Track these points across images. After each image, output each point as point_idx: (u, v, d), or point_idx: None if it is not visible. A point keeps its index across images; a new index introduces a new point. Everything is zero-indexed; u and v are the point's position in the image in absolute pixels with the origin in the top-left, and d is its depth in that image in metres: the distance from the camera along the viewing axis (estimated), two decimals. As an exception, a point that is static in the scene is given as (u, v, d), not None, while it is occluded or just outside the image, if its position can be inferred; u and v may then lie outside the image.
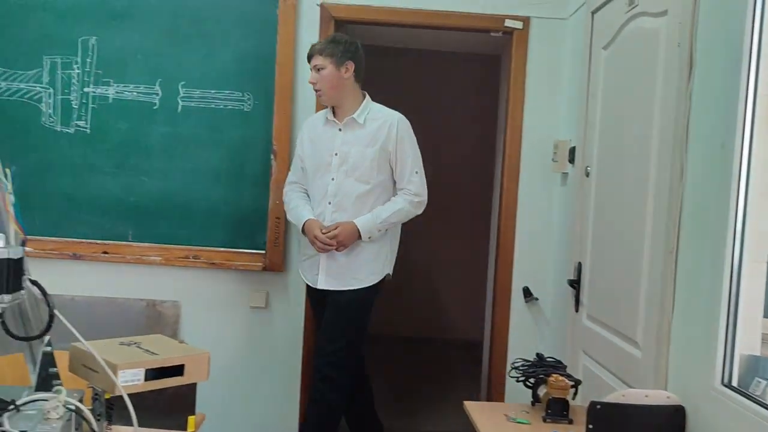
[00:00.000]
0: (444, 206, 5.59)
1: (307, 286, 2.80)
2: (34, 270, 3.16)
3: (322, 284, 2.69)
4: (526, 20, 3.08)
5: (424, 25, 3.11)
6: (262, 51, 3.03)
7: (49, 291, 3.05)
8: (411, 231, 5.54)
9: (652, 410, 1.67)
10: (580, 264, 2.64)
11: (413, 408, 4.12)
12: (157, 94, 3.04)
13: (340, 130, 2.69)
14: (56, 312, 1.15)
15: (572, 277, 2.68)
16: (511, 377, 1.92)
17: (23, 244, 1.18)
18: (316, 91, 2.66)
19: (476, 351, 5.14)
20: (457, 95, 5.53)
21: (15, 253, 1.05)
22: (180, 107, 3.04)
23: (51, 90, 3.03)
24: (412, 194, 2.70)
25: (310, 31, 3.08)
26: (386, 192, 2.71)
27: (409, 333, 5.67)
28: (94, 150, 3.04)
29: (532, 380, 1.89)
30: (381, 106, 2.77)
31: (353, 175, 2.64)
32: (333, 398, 2.67)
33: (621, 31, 2.39)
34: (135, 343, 1.60)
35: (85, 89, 3.03)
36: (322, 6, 3.07)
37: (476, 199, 5.42)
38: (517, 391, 3.03)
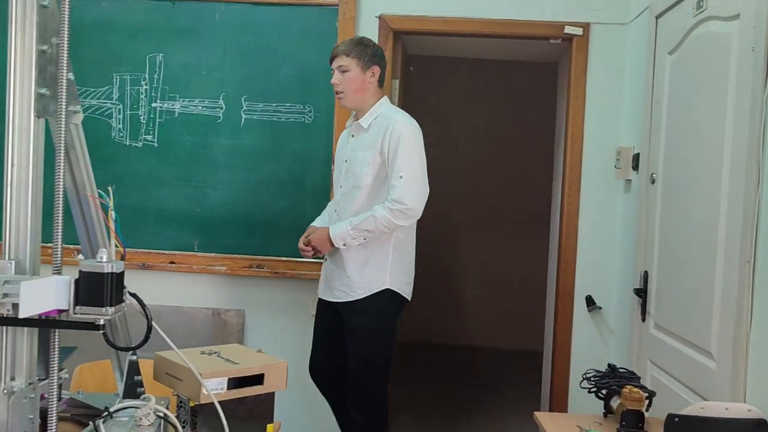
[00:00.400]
0: (500, 213, 5.59)
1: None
2: None
3: (320, 293, 2.67)
4: (585, 26, 3.05)
5: (483, 34, 3.11)
6: (323, 64, 3.07)
7: None
8: (464, 238, 5.61)
9: (732, 424, 1.63)
10: (646, 273, 2.60)
11: (472, 418, 4.10)
12: (221, 108, 3.12)
13: (352, 136, 2.63)
14: (154, 324, 1.20)
15: (638, 286, 2.64)
16: (583, 388, 1.89)
17: (123, 258, 1.23)
18: (338, 93, 2.56)
19: (530, 359, 5.11)
20: (512, 103, 5.51)
21: (117, 267, 1.10)
22: (243, 120, 3.12)
23: (120, 106, 3.14)
24: (391, 200, 2.42)
25: (369, 43, 3.12)
26: (377, 199, 2.51)
27: (461, 341, 5.65)
28: (161, 163, 3.14)
29: (604, 391, 1.87)
30: (395, 108, 2.64)
31: (351, 180, 2.55)
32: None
33: (688, 36, 2.35)
34: (215, 353, 1.65)
35: (153, 104, 3.14)
36: (380, 18, 3.11)
37: (533, 206, 5.38)
38: (581, 402, 3.00)
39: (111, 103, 3.15)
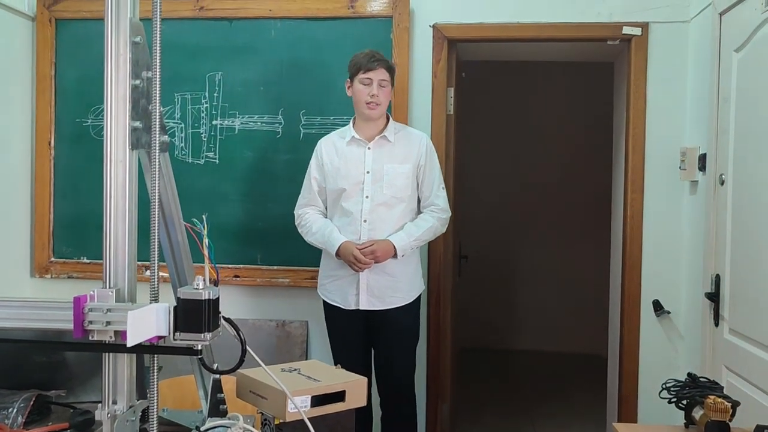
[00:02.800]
0: (555, 216, 5.52)
1: (331, 307, 2.75)
2: (173, 296, 3.32)
3: (364, 304, 2.67)
4: (644, 26, 3.00)
5: (539, 38, 3.09)
6: (378, 75, 3.11)
7: None
8: (519, 241, 5.56)
9: (827, 434, 1.58)
10: (718, 276, 2.54)
11: (536, 425, 4.07)
12: (280, 123, 3.17)
13: (369, 148, 2.68)
14: (248, 349, 1.23)
15: (710, 290, 2.58)
16: (662, 398, 1.86)
17: (216, 284, 1.26)
18: (376, 104, 2.61)
19: (590, 363, 5.04)
20: (567, 105, 5.45)
21: (213, 293, 1.13)
22: (302, 135, 3.16)
23: (182, 125, 3.22)
24: (440, 209, 2.71)
25: (423, 53, 3.13)
26: (413, 208, 2.72)
27: (519, 345, 5.61)
28: (223, 179, 3.21)
29: (684, 401, 1.83)
30: (401, 124, 2.84)
31: (389, 191, 2.64)
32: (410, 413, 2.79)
33: (756, 33, 2.29)
34: (296, 370, 1.67)
35: (213, 122, 3.21)
36: (434, 27, 3.11)
37: (590, 209, 5.31)
38: (651, 408, 2.95)
39: (173, 123, 3.23)
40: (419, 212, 2.75)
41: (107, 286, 1.22)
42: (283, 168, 3.18)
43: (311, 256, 3.16)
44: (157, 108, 1.19)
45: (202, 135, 3.22)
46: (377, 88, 2.61)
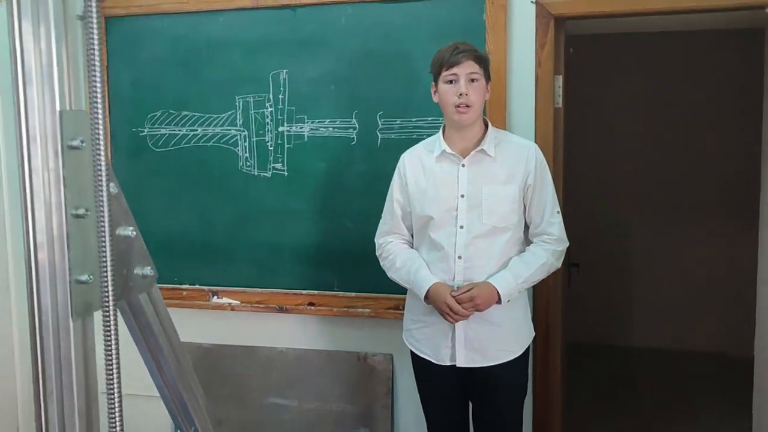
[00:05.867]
0: (691, 202, 4.80)
1: (420, 359, 2.26)
2: (244, 323, 2.97)
3: (461, 360, 2.16)
4: (819, -12, 2.30)
5: (672, 11, 2.44)
6: (469, 67, 2.57)
7: (258, 343, 2.85)
8: (637, 231, 4.88)
9: None
10: None
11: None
12: (354, 128, 2.72)
13: (463, 165, 2.14)
14: None
15: None
16: None
17: None
18: (466, 106, 2.06)
19: (718, 363, 4.45)
20: (707, 77, 4.64)
21: None
22: (379, 141, 2.69)
23: (245, 132, 2.83)
24: (555, 240, 2.16)
25: (524, 36, 2.56)
26: (519, 238, 2.19)
27: (644, 342, 4.98)
28: (293, 194, 2.80)
29: None
30: (502, 131, 2.29)
31: (490, 220, 2.10)
32: None
33: None
34: None
35: (279, 128, 2.79)
36: (538, 3, 2.53)
37: (726, 193, 4.60)
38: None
39: (236, 130, 2.84)
40: (526, 240, 2.24)
41: None
42: (359, 181, 2.72)
43: (394, 282, 2.73)
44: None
45: (268, 144, 2.81)
46: (466, 84, 2.06)
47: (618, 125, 4.83)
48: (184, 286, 2.94)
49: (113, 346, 0.73)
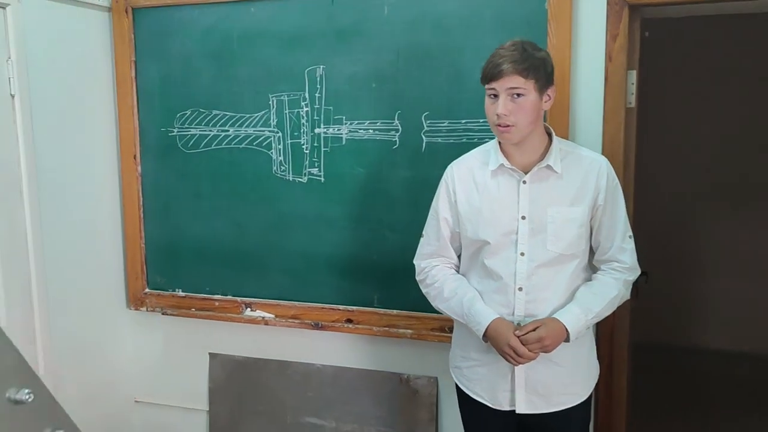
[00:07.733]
0: (758, 192, 4.36)
1: (470, 400, 2.00)
2: (278, 336, 2.74)
3: (522, 406, 1.90)
4: None
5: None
6: (527, 63, 2.25)
7: (293, 358, 2.58)
8: (707, 223, 4.45)
9: None
10: None
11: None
12: (397, 130, 2.45)
13: (524, 182, 1.84)
14: None
15: None
16: None
17: None
18: (507, 126, 1.77)
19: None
20: None
21: None
22: (424, 145, 2.42)
23: (280, 134, 2.60)
24: (627, 269, 1.89)
25: (593, 27, 2.22)
26: (586, 266, 1.94)
27: (720, 344, 4.58)
28: (331, 201, 2.57)
29: None
30: (569, 142, 1.99)
31: (556, 247, 1.84)
32: None
33: None
34: None
35: (316, 130, 2.55)
36: (610, -11, 2.19)
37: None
38: None
39: (269, 131, 2.61)
40: (591, 266, 1.96)
41: None
42: (402, 188, 2.46)
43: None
44: None
45: (304, 147, 2.57)
46: (505, 101, 1.75)
47: (700, 110, 4.39)
48: (216, 297, 2.76)
49: None
